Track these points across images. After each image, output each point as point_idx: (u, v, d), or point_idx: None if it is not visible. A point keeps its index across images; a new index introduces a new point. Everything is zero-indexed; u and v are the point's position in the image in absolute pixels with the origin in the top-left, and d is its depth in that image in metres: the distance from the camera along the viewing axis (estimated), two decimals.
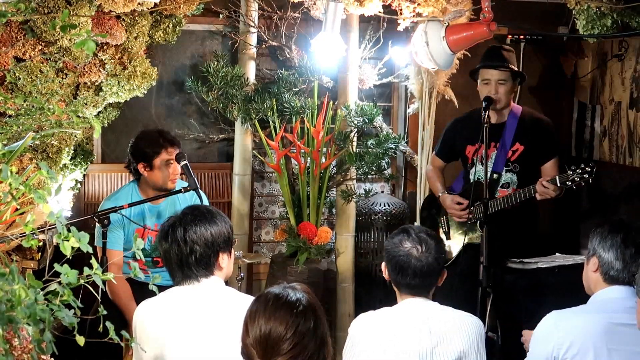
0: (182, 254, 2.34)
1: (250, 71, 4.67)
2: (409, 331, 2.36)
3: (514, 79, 3.81)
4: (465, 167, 3.99)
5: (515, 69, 3.82)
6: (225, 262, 2.42)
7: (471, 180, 3.89)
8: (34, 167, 3.42)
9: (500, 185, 3.83)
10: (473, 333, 2.40)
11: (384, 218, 4.77)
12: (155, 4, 3.50)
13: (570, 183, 3.46)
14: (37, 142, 3.60)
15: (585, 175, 3.42)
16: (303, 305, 1.79)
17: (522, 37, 4.98)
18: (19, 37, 3.31)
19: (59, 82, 3.53)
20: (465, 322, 2.42)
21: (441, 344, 2.35)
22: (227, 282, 2.49)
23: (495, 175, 3.78)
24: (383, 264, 2.52)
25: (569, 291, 3.41)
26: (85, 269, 1.62)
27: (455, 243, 3.93)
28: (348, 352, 2.44)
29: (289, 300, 1.80)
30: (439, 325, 2.37)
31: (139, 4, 3.39)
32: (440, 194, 4.01)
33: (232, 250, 2.49)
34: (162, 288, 2.37)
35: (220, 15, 4.64)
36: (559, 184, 3.49)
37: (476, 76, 3.84)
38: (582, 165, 3.45)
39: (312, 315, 1.79)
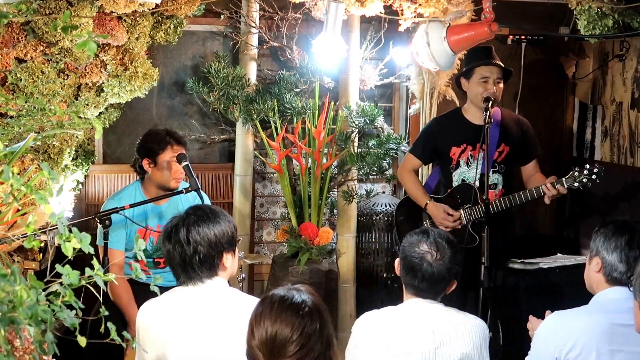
0: (186, 255, 2.33)
1: (252, 72, 4.67)
2: (412, 331, 2.36)
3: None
4: (446, 167, 3.90)
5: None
6: (230, 262, 2.41)
7: (454, 182, 3.86)
8: (36, 168, 3.42)
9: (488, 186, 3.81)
10: (477, 336, 2.39)
11: (385, 219, 4.77)
12: (157, 4, 3.51)
13: (578, 184, 3.47)
14: (39, 143, 3.60)
15: (593, 176, 3.43)
16: (309, 307, 1.78)
17: (523, 37, 4.98)
18: (20, 38, 3.31)
19: (60, 83, 3.53)
20: (470, 324, 2.41)
21: (444, 345, 2.35)
22: (229, 283, 2.49)
23: (483, 177, 3.74)
24: (397, 260, 2.51)
25: (570, 291, 3.42)
26: (87, 269, 1.62)
27: None
28: (351, 350, 2.44)
29: (294, 302, 1.79)
30: (443, 327, 2.37)
31: (140, 4, 3.39)
32: (427, 202, 3.85)
33: (237, 250, 2.48)
34: (163, 289, 2.36)
35: (222, 16, 4.64)
36: (566, 185, 3.49)
37: (469, 75, 3.79)
38: (588, 166, 3.45)
39: (317, 316, 1.78)
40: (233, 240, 2.43)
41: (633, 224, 2.46)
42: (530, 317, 2.69)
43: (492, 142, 3.76)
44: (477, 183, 3.70)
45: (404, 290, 2.49)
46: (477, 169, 3.72)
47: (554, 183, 3.52)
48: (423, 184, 4.21)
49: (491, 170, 3.78)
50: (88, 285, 1.64)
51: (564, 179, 3.50)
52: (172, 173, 3.50)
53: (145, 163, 3.49)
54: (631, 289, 2.09)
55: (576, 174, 3.47)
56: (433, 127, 4.01)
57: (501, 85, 3.76)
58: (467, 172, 3.81)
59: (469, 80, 3.78)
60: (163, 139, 3.50)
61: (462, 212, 3.77)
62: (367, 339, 2.39)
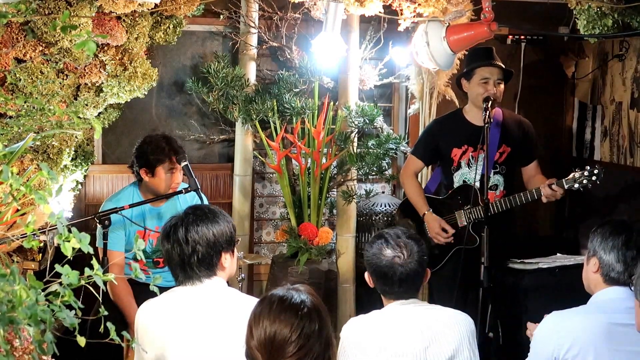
0: (184, 254, 2.33)
1: (251, 72, 4.67)
2: (400, 333, 2.35)
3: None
4: (447, 169, 3.91)
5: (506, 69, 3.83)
6: (228, 262, 2.41)
7: (455, 183, 3.86)
8: (35, 168, 3.42)
9: (488, 187, 3.81)
10: (464, 330, 2.39)
11: (385, 219, 4.77)
12: (156, 4, 3.50)
13: (577, 185, 3.46)
14: (38, 143, 3.60)
15: (593, 177, 3.42)
16: (308, 307, 1.77)
17: (522, 37, 4.98)
18: (19, 38, 3.31)
19: (60, 83, 3.53)
20: (455, 319, 2.41)
21: (433, 343, 2.34)
22: (228, 283, 2.49)
23: (483, 178, 3.73)
24: (366, 274, 2.50)
25: (570, 291, 3.41)
26: (86, 269, 1.62)
27: (443, 247, 3.83)
28: (341, 356, 2.43)
29: (293, 302, 1.78)
30: (430, 325, 2.36)
31: (139, 4, 3.39)
32: (426, 212, 3.85)
33: (235, 250, 2.48)
34: (162, 289, 2.36)
35: (221, 16, 4.64)
36: (565, 187, 3.48)
37: (469, 76, 3.79)
38: (589, 167, 3.44)
39: (317, 317, 1.77)
40: (232, 240, 2.43)
41: (630, 223, 2.46)
42: (529, 324, 2.70)
43: (493, 143, 3.76)
44: (478, 184, 3.69)
45: (383, 298, 2.48)
46: (477, 169, 3.72)
47: (552, 185, 3.51)
48: (424, 186, 4.21)
49: (492, 171, 3.78)
50: (87, 285, 1.64)
51: (564, 180, 3.49)
52: (170, 183, 3.51)
53: (142, 172, 3.50)
54: (632, 288, 2.09)
55: (576, 175, 3.47)
56: (434, 128, 4.02)
57: (502, 86, 3.75)
58: (468, 173, 3.81)
59: (470, 81, 3.78)
60: (162, 150, 3.49)
61: (462, 212, 3.77)
62: (356, 344, 2.38)
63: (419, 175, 4.25)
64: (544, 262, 3.82)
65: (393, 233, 2.44)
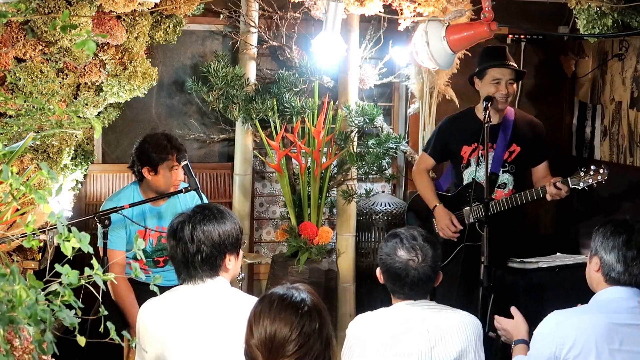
0: (189, 253, 2.33)
1: (251, 71, 4.67)
2: (406, 332, 2.36)
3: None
4: (458, 166, 3.95)
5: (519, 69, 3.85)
6: (232, 264, 2.41)
7: (465, 181, 3.88)
8: (35, 167, 3.42)
9: (497, 185, 3.83)
10: (471, 332, 2.39)
11: (385, 218, 4.77)
12: (156, 4, 3.50)
13: (582, 184, 3.46)
14: (38, 142, 3.60)
15: (599, 177, 3.42)
16: (308, 306, 1.77)
17: (522, 36, 4.99)
18: (19, 37, 3.31)
19: (60, 82, 3.53)
20: (463, 321, 2.41)
21: (439, 344, 2.34)
22: (230, 283, 2.49)
23: (492, 176, 3.78)
24: (378, 270, 2.50)
25: (570, 291, 3.42)
26: (86, 269, 1.62)
27: (449, 243, 3.87)
28: (346, 353, 2.43)
29: (293, 301, 1.78)
30: (437, 325, 2.37)
31: (139, 4, 3.39)
32: (437, 205, 3.89)
33: (240, 252, 2.48)
34: (162, 289, 2.36)
35: (221, 15, 4.64)
36: (571, 186, 3.49)
37: (481, 75, 3.82)
38: (594, 167, 3.45)
39: (317, 316, 1.77)
40: (237, 242, 2.42)
41: (632, 223, 2.45)
42: (497, 317, 2.70)
43: (503, 142, 3.78)
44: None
45: (392, 296, 2.48)
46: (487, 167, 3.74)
47: (557, 183, 3.52)
48: (436, 183, 4.21)
49: (501, 169, 3.81)
50: (87, 285, 1.64)
51: (569, 179, 3.50)
52: (172, 181, 3.52)
53: (145, 171, 3.50)
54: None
55: (581, 174, 3.47)
56: (445, 126, 4.05)
57: (514, 85, 3.79)
58: (477, 171, 3.83)
59: (482, 80, 3.81)
60: (164, 148, 3.50)
61: (469, 209, 3.78)
62: (363, 341, 2.39)
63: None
64: (544, 262, 3.82)
65: (409, 234, 2.43)
